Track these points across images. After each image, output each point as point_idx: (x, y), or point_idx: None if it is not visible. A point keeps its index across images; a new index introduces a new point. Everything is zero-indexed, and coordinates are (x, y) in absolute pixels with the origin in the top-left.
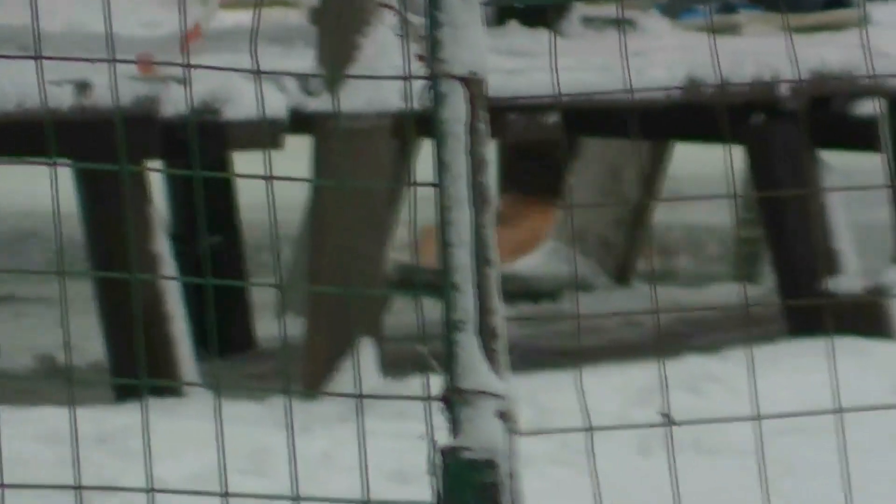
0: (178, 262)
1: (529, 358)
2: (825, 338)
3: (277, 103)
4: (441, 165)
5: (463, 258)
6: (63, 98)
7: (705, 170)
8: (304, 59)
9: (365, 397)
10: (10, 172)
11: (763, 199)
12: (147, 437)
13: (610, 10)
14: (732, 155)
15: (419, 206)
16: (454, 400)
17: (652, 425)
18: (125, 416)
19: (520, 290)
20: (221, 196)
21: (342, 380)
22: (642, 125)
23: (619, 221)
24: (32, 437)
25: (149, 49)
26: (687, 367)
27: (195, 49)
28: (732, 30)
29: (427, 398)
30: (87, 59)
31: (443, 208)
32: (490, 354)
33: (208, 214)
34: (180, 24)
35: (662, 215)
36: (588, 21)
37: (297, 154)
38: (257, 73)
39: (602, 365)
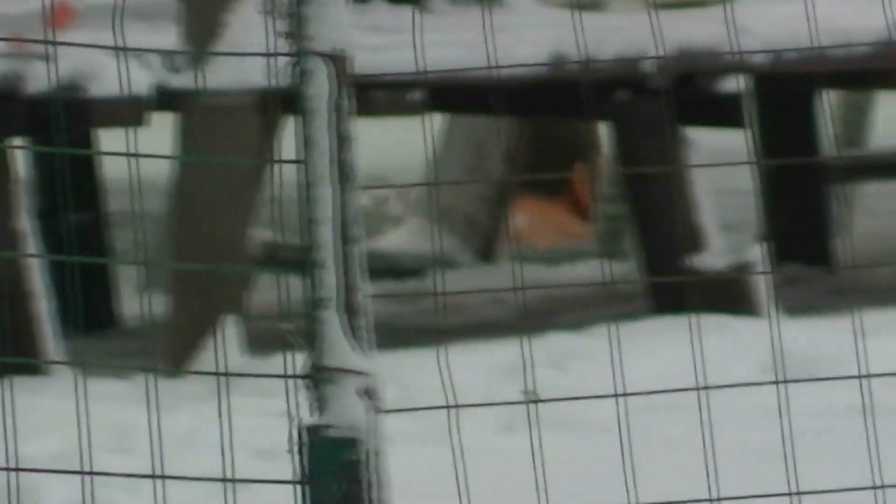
0: (42, 239)
1: (394, 335)
2: (689, 315)
3: (142, 80)
4: (305, 142)
5: (327, 235)
6: None
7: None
8: (169, 36)
9: (228, 375)
10: None
11: (628, 176)
12: (12, 416)
13: None
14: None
15: (284, 183)
16: (318, 378)
17: (516, 402)
18: None
19: (384, 268)
20: (86, 173)
21: (206, 357)
22: (508, 102)
23: (484, 199)
24: None
25: (15, 26)
26: (551, 345)
27: (69, 27)
28: (597, 6)
29: (291, 376)
30: None
31: (307, 185)
32: (354, 332)
33: (73, 192)
34: (43, 1)
35: None
36: None
37: (162, 131)
38: (122, 50)
39: (466, 342)
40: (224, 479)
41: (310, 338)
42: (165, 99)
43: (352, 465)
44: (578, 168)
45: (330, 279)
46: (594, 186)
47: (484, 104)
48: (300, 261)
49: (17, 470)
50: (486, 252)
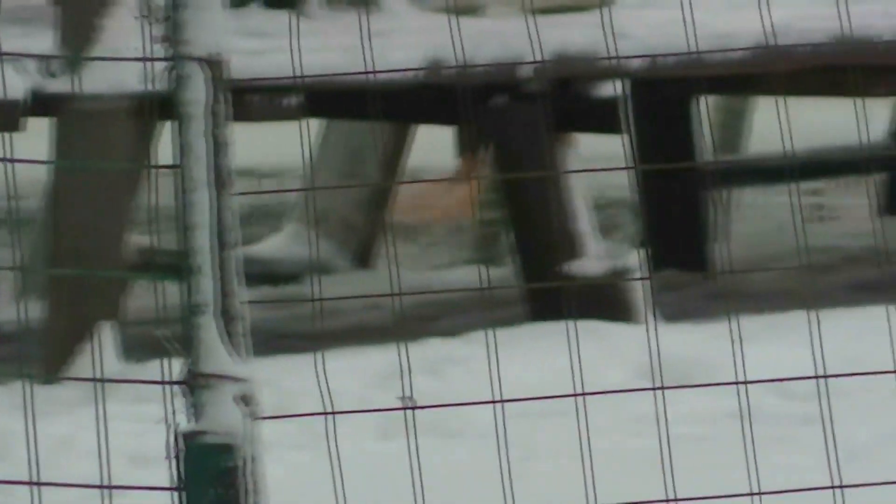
0: None
1: (270, 341)
2: (566, 321)
3: (18, 85)
4: (182, 147)
5: (203, 240)
6: None
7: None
8: (45, 41)
9: (105, 381)
10: None
11: (505, 181)
12: None
13: None
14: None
15: (160, 188)
16: (194, 384)
17: (393, 409)
18: None
19: (261, 273)
20: None
21: (82, 363)
22: (384, 107)
23: (361, 204)
24: None
25: None
26: (428, 351)
27: None
28: (474, 11)
29: (167, 382)
30: None
31: (183, 190)
32: (231, 338)
33: None
34: None
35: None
36: (330, 2)
37: (38, 136)
38: None
39: (343, 348)
40: (101, 486)
41: (186, 344)
42: (41, 104)
43: (228, 471)
44: (466, 158)
45: (206, 285)
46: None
47: (361, 109)
48: (177, 266)
49: None
50: (363, 257)
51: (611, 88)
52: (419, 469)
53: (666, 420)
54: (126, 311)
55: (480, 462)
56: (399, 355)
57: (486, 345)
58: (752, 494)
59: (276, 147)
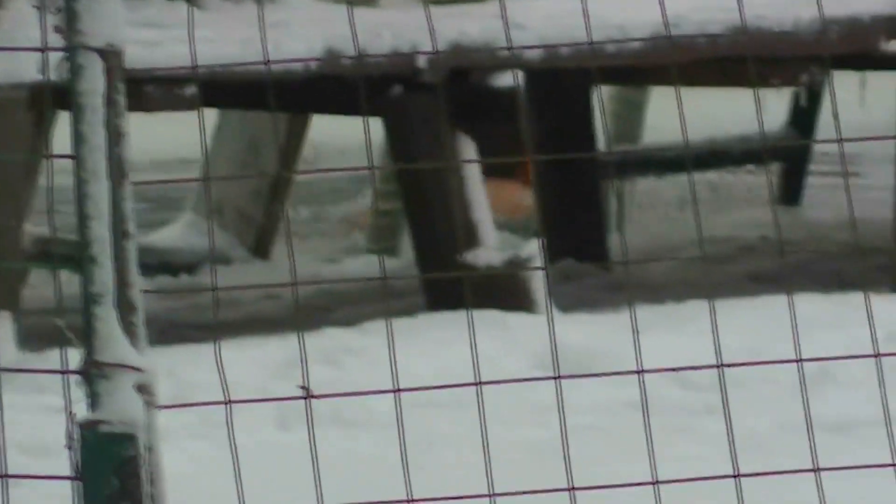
0: None
1: (168, 331)
2: (464, 311)
3: None
4: (78, 138)
5: (100, 231)
6: None
7: (344, 142)
8: None
9: (3, 371)
10: None
11: (401, 172)
12: None
13: None
14: (370, 127)
15: (56, 178)
16: (92, 373)
17: (291, 398)
18: None
19: (158, 263)
20: None
21: None
22: (281, 98)
23: (258, 195)
24: None
25: None
26: (326, 340)
27: None
28: (371, 1)
29: (66, 371)
30: None
31: (80, 181)
32: (128, 328)
33: None
34: None
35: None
36: None
37: None
38: None
39: (241, 338)
40: None
41: (84, 333)
42: None
43: (127, 461)
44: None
45: (104, 275)
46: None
47: (257, 100)
48: (74, 256)
49: None
50: (260, 247)
51: (508, 79)
52: (317, 459)
53: (563, 410)
54: (24, 301)
55: (379, 452)
56: (297, 345)
57: (384, 335)
58: (651, 483)
59: (173, 138)
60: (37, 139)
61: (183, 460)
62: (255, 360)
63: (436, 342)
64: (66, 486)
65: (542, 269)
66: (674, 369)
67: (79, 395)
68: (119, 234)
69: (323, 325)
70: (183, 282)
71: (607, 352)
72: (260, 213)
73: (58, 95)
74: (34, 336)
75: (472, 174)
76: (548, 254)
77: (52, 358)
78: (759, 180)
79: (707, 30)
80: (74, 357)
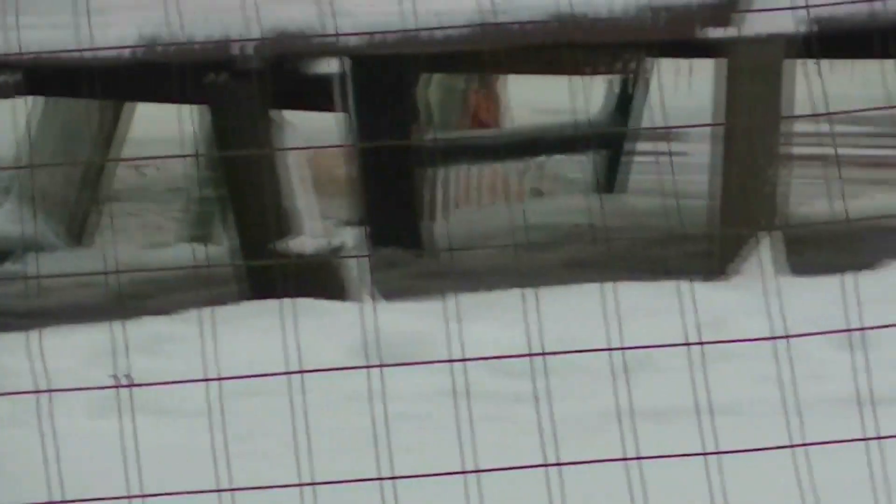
0: None
1: None
2: (283, 299)
3: None
4: None
5: None
6: None
7: (166, 129)
8: None
9: None
10: None
11: (223, 159)
12: None
13: None
14: (193, 114)
15: None
16: None
17: (109, 387)
18: None
19: None
20: None
21: None
22: (101, 85)
23: (77, 181)
24: None
25: None
26: (145, 329)
27: None
28: None
29: None
30: None
31: None
32: None
33: None
34: None
35: (124, 174)
36: None
37: None
38: None
39: (59, 326)
40: None
41: None
42: None
43: None
44: (480, 101)
45: None
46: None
47: (78, 87)
48: None
49: None
50: (78, 235)
51: (329, 66)
52: (136, 446)
53: (384, 397)
54: None
55: (198, 440)
56: (115, 333)
57: (203, 323)
58: (467, 473)
59: None
60: None
61: None
62: (72, 349)
63: (255, 330)
64: None
65: (363, 256)
66: (491, 358)
67: None
68: None
69: (141, 313)
70: (2, 269)
71: (427, 340)
72: (78, 201)
73: None
74: None
75: (294, 162)
76: (368, 241)
77: None
78: (579, 167)
79: (529, 17)
80: None
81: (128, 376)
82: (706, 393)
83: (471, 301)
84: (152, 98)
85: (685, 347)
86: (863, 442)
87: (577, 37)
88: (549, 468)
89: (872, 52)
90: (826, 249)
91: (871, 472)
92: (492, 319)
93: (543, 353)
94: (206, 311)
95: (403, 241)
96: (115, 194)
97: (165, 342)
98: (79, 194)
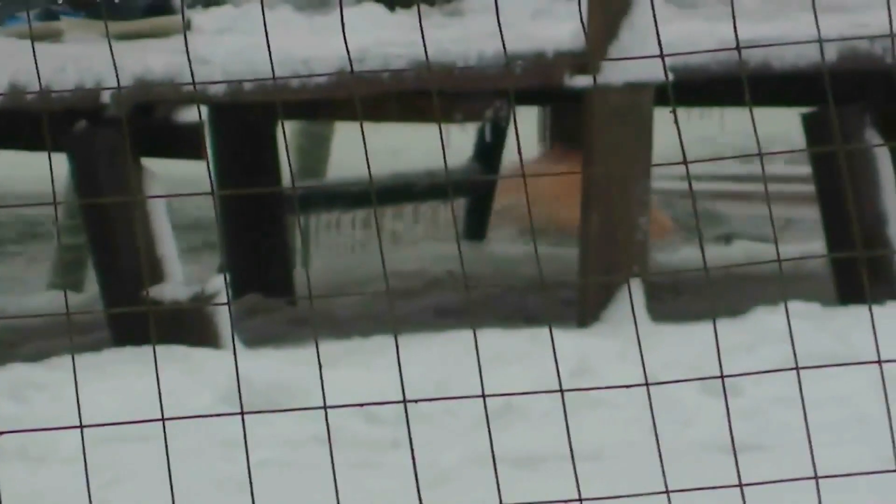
0: None
1: None
2: (150, 346)
3: None
4: None
5: None
6: None
7: (29, 175)
8: None
9: None
10: None
11: (86, 207)
12: None
13: None
14: (54, 162)
15: None
16: None
17: None
18: None
19: None
20: None
21: None
22: None
23: None
24: None
25: None
26: (11, 375)
27: None
28: (55, 36)
29: None
30: None
31: None
32: None
33: None
34: None
35: None
36: None
37: None
38: None
39: None
40: None
41: None
42: None
43: None
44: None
45: None
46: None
47: None
48: None
49: None
50: None
51: (192, 114)
52: (0, 494)
53: (247, 445)
54: None
55: (66, 487)
56: None
57: (70, 370)
58: None
59: None
60: None
61: None
62: None
63: (122, 377)
64: None
65: (227, 304)
66: (359, 405)
67: None
68: None
69: (8, 359)
70: None
71: (293, 386)
72: None
73: None
74: None
75: (157, 209)
76: (233, 289)
77: None
78: (444, 215)
79: (391, 64)
80: None
81: None
82: (573, 439)
83: (336, 347)
84: (16, 146)
85: (553, 394)
86: (735, 488)
87: (439, 84)
88: None
89: (732, 100)
90: (689, 296)
91: None
92: (358, 366)
93: (409, 400)
94: (74, 358)
95: (267, 288)
96: None
97: (33, 389)
98: None
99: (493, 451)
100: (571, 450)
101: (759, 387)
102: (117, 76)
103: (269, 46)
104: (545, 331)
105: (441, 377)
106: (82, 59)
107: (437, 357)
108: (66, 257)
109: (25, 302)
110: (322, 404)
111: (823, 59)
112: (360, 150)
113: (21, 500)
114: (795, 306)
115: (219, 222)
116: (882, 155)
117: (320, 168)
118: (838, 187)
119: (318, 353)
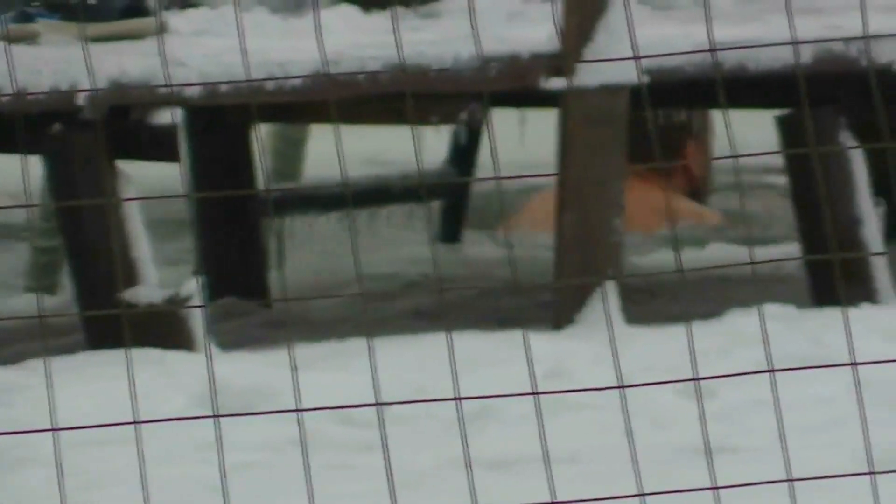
0: None
1: None
2: (124, 349)
3: None
4: None
5: None
6: None
7: (3, 178)
8: None
9: None
10: None
11: (62, 209)
12: None
13: None
14: (30, 165)
15: None
16: None
17: None
18: None
19: None
20: None
21: None
22: None
23: None
24: None
25: None
26: None
27: None
28: (30, 38)
29: None
30: None
31: None
32: None
33: None
34: None
35: None
36: None
37: None
38: None
39: None
40: None
41: None
42: None
43: None
44: (691, 147)
45: None
46: (705, 164)
47: None
48: None
49: None
50: None
51: (168, 116)
52: None
53: (221, 448)
54: None
55: (41, 491)
56: None
57: (43, 373)
58: None
59: None
60: None
61: None
62: None
63: (97, 380)
64: None
65: (201, 306)
66: (333, 407)
67: None
68: None
69: None
70: None
71: (268, 389)
72: None
73: None
74: None
75: (132, 212)
76: (208, 292)
77: None
78: (419, 217)
79: (367, 67)
80: None
81: None
82: (548, 442)
83: (312, 350)
84: None
85: (528, 397)
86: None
87: (414, 86)
88: None
89: (707, 103)
90: (664, 299)
91: None
92: (333, 369)
93: (384, 403)
94: (48, 360)
95: (243, 290)
96: None
97: (9, 392)
98: None
99: (467, 454)
100: (546, 452)
101: (733, 389)
102: (93, 78)
103: (243, 49)
104: (520, 333)
105: (417, 379)
106: (58, 62)
107: (414, 360)
108: (40, 260)
109: (0, 305)
110: (297, 406)
111: (798, 62)
112: (336, 152)
113: None
114: (770, 309)
115: (194, 225)
116: (856, 157)
117: (296, 170)
118: (813, 189)
119: (291, 355)
